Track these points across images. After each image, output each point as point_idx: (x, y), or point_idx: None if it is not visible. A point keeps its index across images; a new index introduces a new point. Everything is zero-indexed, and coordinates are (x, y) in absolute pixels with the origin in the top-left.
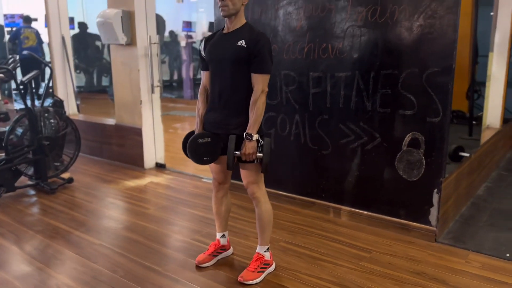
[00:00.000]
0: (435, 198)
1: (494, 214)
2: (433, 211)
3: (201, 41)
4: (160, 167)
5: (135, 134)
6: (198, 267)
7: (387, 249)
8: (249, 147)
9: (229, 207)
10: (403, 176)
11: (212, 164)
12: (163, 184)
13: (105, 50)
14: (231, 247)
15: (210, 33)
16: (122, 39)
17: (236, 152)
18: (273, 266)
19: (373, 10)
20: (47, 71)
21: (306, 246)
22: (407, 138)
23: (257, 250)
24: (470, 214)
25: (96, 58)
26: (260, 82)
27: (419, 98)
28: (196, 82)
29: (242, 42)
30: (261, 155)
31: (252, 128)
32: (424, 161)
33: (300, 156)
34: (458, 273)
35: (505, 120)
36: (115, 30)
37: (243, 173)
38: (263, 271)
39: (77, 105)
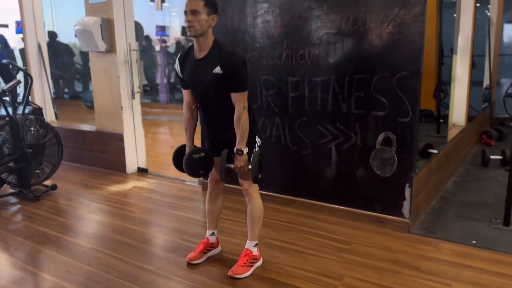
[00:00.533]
0: (407, 192)
1: (461, 206)
2: (406, 204)
3: (176, 62)
4: (142, 171)
5: (116, 139)
6: (189, 265)
7: (365, 241)
8: (240, 160)
9: (222, 206)
10: (377, 172)
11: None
12: (147, 188)
13: (77, 57)
14: (219, 245)
15: (183, 49)
16: (102, 46)
17: (231, 165)
18: (261, 261)
19: (346, 19)
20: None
21: (290, 241)
22: (380, 137)
23: (246, 246)
24: (439, 206)
25: (69, 65)
26: (240, 100)
27: (390, 100)
28: (171, 86)
29: (217, 69)
30: (252, 166)
31: (241, 143)
32: (396, 158)
33: (281, 156)
34: (430, 260)
35: (469, 118)
36: (95, 37)
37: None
38: (252, 266)
39: (55, 113)
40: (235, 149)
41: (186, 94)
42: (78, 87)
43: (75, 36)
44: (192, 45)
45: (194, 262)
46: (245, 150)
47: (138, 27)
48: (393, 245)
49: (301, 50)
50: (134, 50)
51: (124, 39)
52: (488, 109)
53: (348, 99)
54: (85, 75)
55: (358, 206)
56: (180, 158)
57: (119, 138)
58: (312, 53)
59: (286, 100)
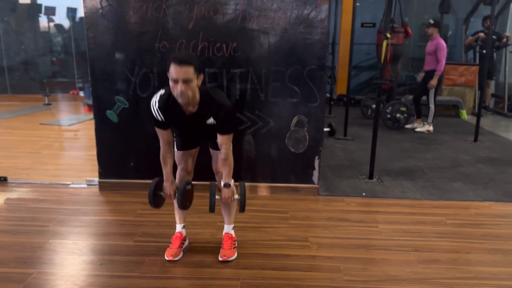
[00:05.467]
0: (316, 163)
1: (331, 169)
2: (315, 173)
3: (156, 111)
4: None
5: None
6: (171, 262)
7: (295, 207)
8: (228, 192)
9: None
10: (292, 150)
11: (183, 155)
12: (27, 199)
13: None
14: None
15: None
16: None
17: (217, 197)
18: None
19: (262, 16)
20: None
21: (239, 220)
22: (294, 120)
23: (225, 231)
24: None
25: None
26: (228, 142)
27: (302, 88)
28: None
29: (211, 120)
30: (238, 197)
31: (228, 178)
32: (307, 137)
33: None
34: (349, 212)
35: None
36: None
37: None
38: (235, 247)
39: None
40: (222, 183)
41: (165, 134)
42: None
43: None
44: (171, 95)
45: (176, 258)
46: (232, 183)
47: None
48: (316, 207)
49: (218, 43)
50: None
51: None
52: None
53: (266, 88)
54: None
55: (276, 180)
56: (156, 194)
57: None
58: (230, 46)
59: None
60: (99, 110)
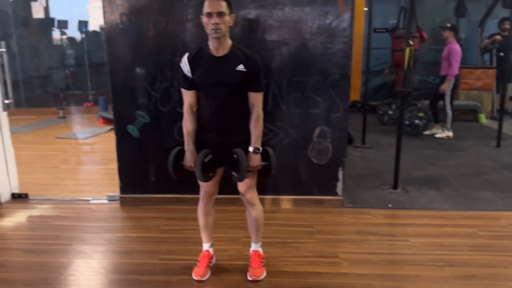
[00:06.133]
0: (340, 174)
1: (353, 179)
2: (339, 184)
3: (184, 61)
4: (19, 198)
5: None
6: (198, 282)
7: (319, 220)
8: (257, 159)
9: (215, 216)
10: (315, 161)
11: None
12: (49, 216)
13: None
14: None
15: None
16: None
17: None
18: None
19: (283, 27)
20: None
21: (266, 236)
22: (316, 131)
23: (253, 249)
24: None
25: None
26: (259, 100)
27: (324, 99)
28: None
29: (241, 67)
30: (266, 163)
31: (258, 142)
32: (330, 148)
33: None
34: (377, 225)
35: None
36: None
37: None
38: (264, 265)
39: None
40: (251, 148)
41: (189, 95)
42: None
43: None
44: (201, 47)
45: (204, 278)
46: (261, 149)
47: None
48: (341, 220)
49: None
50: (1, 50)
51: None
52: None
53: (287, 99)
54: None
55: (299, 193)
56: (178, 163)
57: None
58: None
59: None
60: (120, 125)
